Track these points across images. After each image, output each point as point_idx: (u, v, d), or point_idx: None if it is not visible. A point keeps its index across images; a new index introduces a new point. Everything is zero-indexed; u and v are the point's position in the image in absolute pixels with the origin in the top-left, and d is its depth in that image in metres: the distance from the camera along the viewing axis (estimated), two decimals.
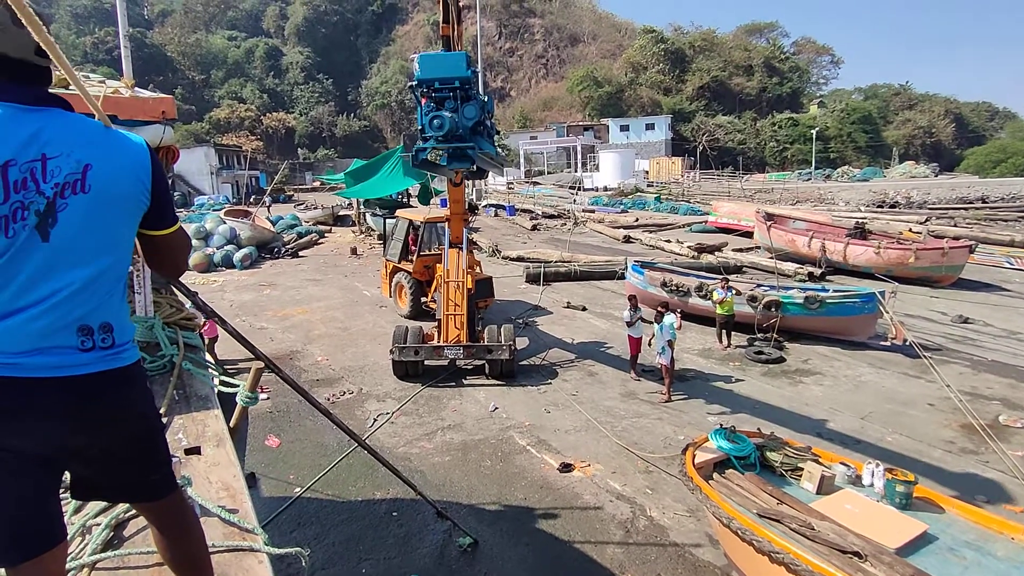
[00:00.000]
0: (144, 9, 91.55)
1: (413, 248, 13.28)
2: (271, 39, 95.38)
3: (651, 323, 9.66)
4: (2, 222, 1.47)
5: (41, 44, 1.55)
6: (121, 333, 1.68)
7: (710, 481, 5.40)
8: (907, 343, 10.20)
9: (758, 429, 6.35)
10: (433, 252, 13.05)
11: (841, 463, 5.56)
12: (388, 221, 15.39)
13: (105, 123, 1.73)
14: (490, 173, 45.33)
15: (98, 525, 2.09)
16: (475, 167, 9.02)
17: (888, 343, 10.93)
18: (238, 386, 2.83)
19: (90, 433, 1.62)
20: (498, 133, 9.35)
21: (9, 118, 1.52)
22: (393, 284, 13.77)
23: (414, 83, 8.43)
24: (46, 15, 1.59)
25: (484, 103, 8.54)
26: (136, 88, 3.73)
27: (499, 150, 9.41)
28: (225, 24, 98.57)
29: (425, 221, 13.28)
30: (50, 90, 1.67)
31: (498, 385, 9.54)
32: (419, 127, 8.55)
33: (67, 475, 1.77)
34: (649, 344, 9.26)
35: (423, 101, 8.40)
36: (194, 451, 2.48)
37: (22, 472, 1.56)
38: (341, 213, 32.17)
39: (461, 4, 9.21)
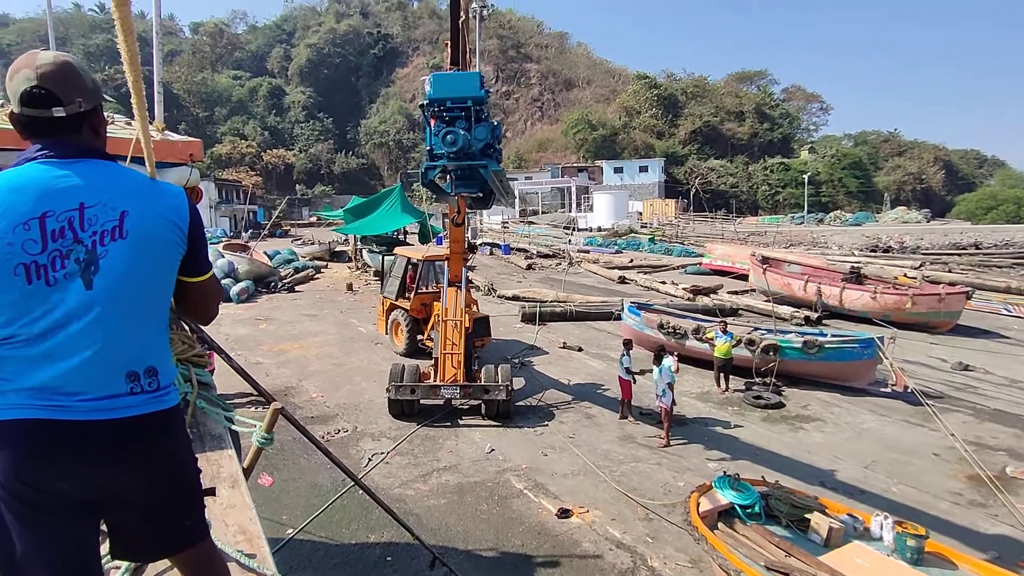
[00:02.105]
0: (152, 47, 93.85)
1: (411, 286, 13.23)
2: (275, 79, 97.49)
3: (648, 370, 9.64)
4: (42, 271, 1.51)
5: (131, 88, 1.66)
6: (165, 376, 1.70)
7: (715, 531, 5.27)
8: (908, 390, 10.15)
9: (762, 477, 6.25)
10: (431, 290, 13.02)
11: (848, 514, 5.45)
12: (386, 258, 15.35)
13: (151, 173, 1.76)
14: (485, 211, 45.75)
15: (118, 568, 2.05)
16: (481, 193, 8.81)
17: (888, 389, 10.86)
18: (255, 426, 2.77)
19: (130, 475, 1.62)
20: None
21: (46, 172, 1.57)
22: (390, 321, 13.68)
23: (425, 102, 8.20)
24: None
25: (495, 126, 8.39)
26: (166, 131, 3.79)
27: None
28: (231, 64, 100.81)
29: (424, 259, 13.27)
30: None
31: (494, 426, 9.40)
32: (427, 147, 8.35)
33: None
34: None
35: (432, 122, 8.22)
36: (209, 492, 2.40)
37: (65, 517, 1.57)
38: (338, 249, 32.25)
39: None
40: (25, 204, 1.52)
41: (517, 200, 63.68)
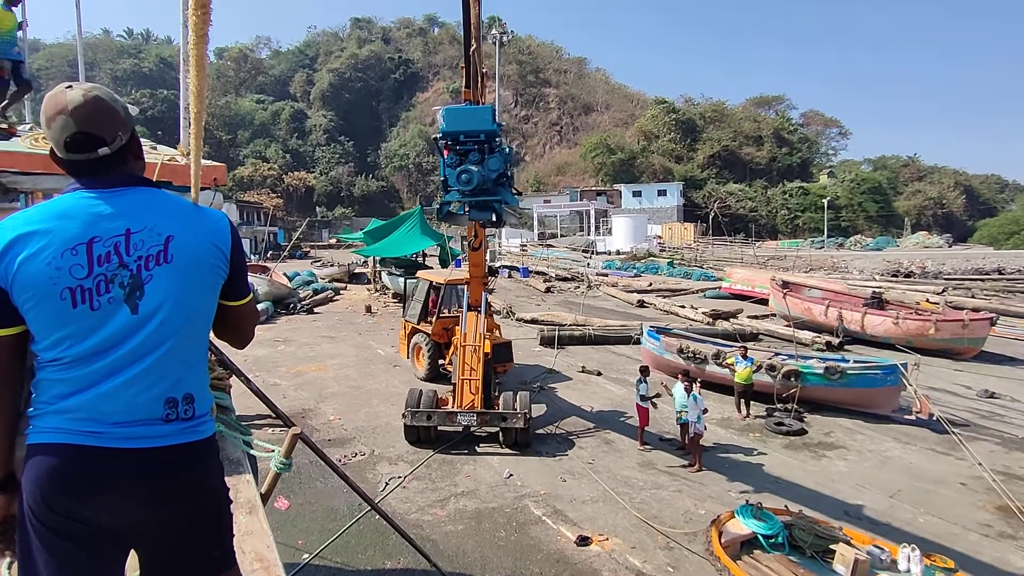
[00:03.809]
0: (179, 73, 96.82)
1: (433, 310, 13.10)
2: (297, 103, 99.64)
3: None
4: (88, 295, 1.54)
5: (192, 120, 1.74)
6: (201, 404, 1.71)
7: (737, 561, 5.17)
8: (933, 417, 9.94)
9: (785, 506, 6.14)
10: (453, 314, 12.90)
11: (874, 546, 5.34)
12: (409, 281, 15.20)
13: (194, 199, 1.81)
14: (504, 234, 45.84)
15: None
16: (495, 217, 8.84)
17: (913, 417, 10.64)
18: (273, 451, 2.77)
19: (162, 505, 1.62)
20: (520, 194, 9.21)
21: (93, 199, 1.61)
22: (411, 345, 13.55)
23: (439, 136, 8.26)
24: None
25: (507, 154, 8.41)
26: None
27: (519, 200, 9.24)
28: (254, 88, 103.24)
29: (446, 283, 13.17)
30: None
31: (513, 452, 9.31)
32: (442, 179, 8.41)
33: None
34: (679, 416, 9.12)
35: (446, 153, 8.28)
36: None
37: (92, 547, 1.57)
38: (356, 271, 32.52)
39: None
40: (73, 230, 1.55)
41: (536, 223, 64.14)
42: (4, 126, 6.23)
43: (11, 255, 1.51)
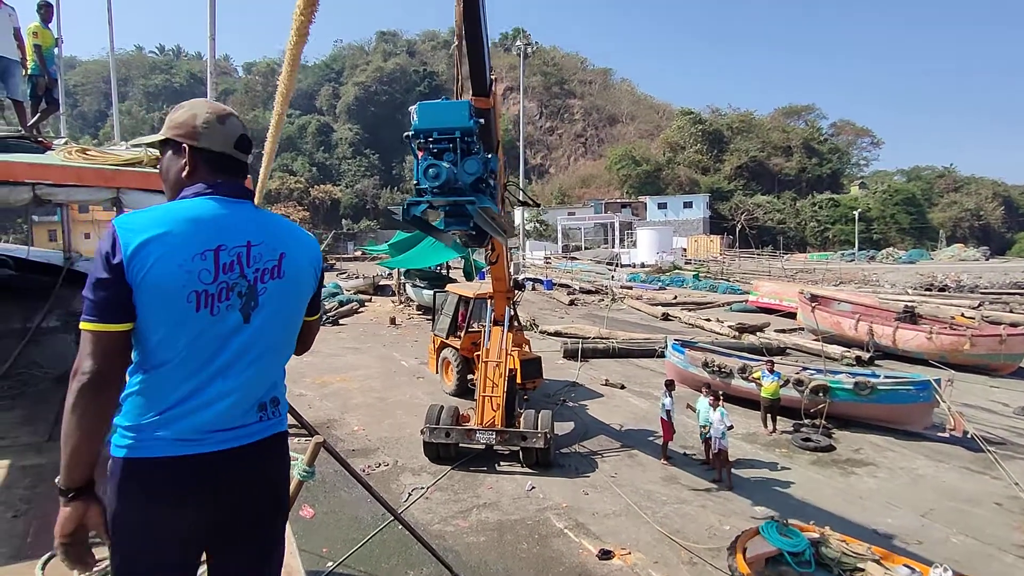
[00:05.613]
0: (207, 88, 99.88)
1: (462, 324, 12.99)
2: (323, 116, 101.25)
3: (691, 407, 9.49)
4: (211, 300, 1.61)
5: (269, 138, 1.89)
6: (284, 404, 1.85)
7: None
8: (967, 435, 9.69)
9: (811, 523, 6.03)
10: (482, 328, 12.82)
11: (904, 565, 5.21)
12: (438, 295, 15.08)
13: (257, 203, 1.98)
14: (528, 247, 45.62)
15: None
16: (475, 231, 8.00)
17: (946, 434, 10.38)
18: (296, 459, 2.84)
19: (246, 493, 1.72)
20: (539, 206, 8.70)
21: (218, 207, 1.70)
22: (440, 360, 13.46)
23: (409, 133, 7.30)
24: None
25: (488, 160, 7.55)
26: None
27: (501, 210, 8.29)
28: None
29: (475, 296, 13.02)
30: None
31: (533, 472, 9.20)
32: (414, 181, 7.38)
33: None
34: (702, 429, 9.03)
35: (420, 154, 7.41)
36: None
37: (179, 546, 1.65)
38: (381, 283, 32.78)
39: (505, 86, 9.20)
40: (203, 235, 1.62)
41: (560, 235, 64.00)
42: (40, 140, 6.48)
43: (143, 254, 1.54)
